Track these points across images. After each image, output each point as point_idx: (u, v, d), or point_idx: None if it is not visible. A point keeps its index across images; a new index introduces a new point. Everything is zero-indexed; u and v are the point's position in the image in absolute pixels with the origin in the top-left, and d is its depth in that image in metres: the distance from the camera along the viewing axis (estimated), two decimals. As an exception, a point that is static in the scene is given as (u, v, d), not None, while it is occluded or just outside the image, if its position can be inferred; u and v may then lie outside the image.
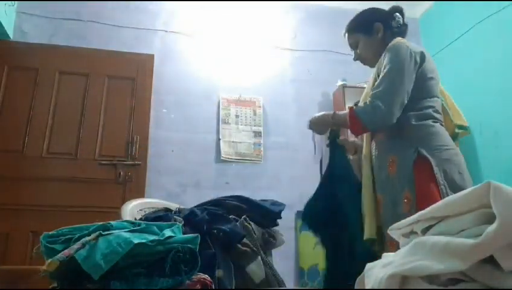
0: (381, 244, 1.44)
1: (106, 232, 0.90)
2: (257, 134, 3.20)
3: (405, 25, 1.65)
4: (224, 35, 3.39)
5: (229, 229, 1.39)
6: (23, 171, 2.63)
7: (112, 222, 0.98)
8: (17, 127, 2.71)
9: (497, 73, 2.82)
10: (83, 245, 0.84)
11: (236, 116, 3.21)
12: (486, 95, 2.85)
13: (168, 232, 0.95)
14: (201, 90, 3.20)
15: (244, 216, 1.53)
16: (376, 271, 0.67)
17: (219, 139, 3.11)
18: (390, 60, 1.46)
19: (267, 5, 3.56)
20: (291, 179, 3.07)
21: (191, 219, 1.43)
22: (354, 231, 1.49)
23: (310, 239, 2.89)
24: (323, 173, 1.69)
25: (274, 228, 1.68)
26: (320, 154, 1.98)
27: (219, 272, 1.28)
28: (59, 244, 0.88)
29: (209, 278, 0.98)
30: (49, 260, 0.81)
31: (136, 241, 0.86)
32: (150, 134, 2.93)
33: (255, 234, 1.48)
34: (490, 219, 0.52)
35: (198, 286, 0.94)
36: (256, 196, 1.83)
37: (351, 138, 1.83)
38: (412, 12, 3.54)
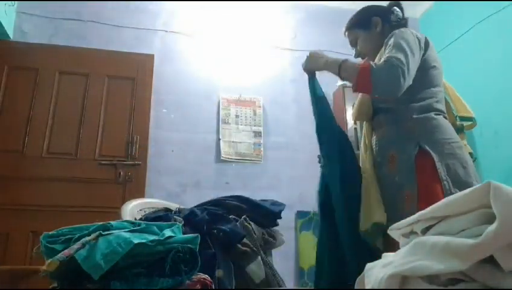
0: (384, 242, 1.41)
1: (106, 232, 0.90)
2: (257, 134, 3.20)
3: (405, 19, 1.61)
4: (224, 35, 3.39)
5: (229, 229, 1.39)
6: (23, 171, 2.63)
7: (112, 222, 0.98)
8: (17, 127, 2.71)
9: (497, 73, 2.82)
10: (83, 245, 0.84)
11: (236, 116, 3.21)
12: (486, 95, 2.85)
13: (168, 232, 0.95)
14: (201, 90, 3.20)
15: (244, 216, 1.53)
16: (376, 271, 0.67)
17: (219, 139, 3.11)
18: (397, 38, 1.39)
19: (267, 5, 3.57)
20: (291, 179, 3.07)
21: (191, 219, 1.43)
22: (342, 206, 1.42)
23: (310, 239, 2.89)
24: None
25: (274, 228, 1.68)
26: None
27: (219, 272, 1.28)
28: (59, 244, 0.89)
29: (209, 278, 0.98)
30: (49, 260, 0.81)
31: (136, 241, 0.86)
32: (150, 134, 2.93)
33: (255, 234, 1.48)
34: (490, 219, 0.52)
35: (198, 286, 0.94)
36: (256, 196, 1.83)
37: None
38: (412, 12, 3.54)
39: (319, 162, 1.60)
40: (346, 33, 1.69)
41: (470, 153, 1.57)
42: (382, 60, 1.34)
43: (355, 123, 2.88)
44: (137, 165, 2.79)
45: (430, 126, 1.39)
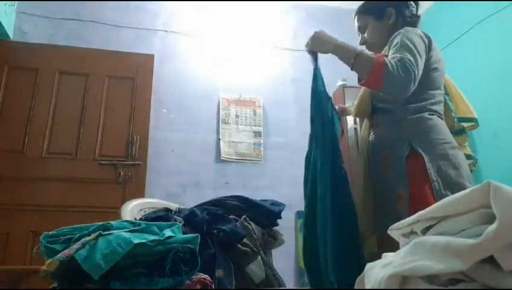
0: (380, 243, 1.41)
1: (106, 232, 0.90)
2: (257, 134, 3.20)
3: (417, 16, 1.58)
4: (224, 35, 3.39)
5: (229, 229, 1.39)
6: (23, 171, 2.63)
7: (112, 222, 0.98)
8: (17, 127, 2.71)
9: (497, 73, 2.82)
10: (83, 245, 0.84)
11: (236, 116, 3.21)
12: (486, 95, 2.85)
13: (168, 232, 0.95)
14: (201, 90, 3.20)
15: (244, 216, 1.52)
16: (376, 271, 0.67)
17: (219, 139, 3.11)
18: (404, 38, 1.35)
19: (267, 5, 3.57)
20: (291, 179, 3.06)
21: (191, 219, 1.43)
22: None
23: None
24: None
25: (274, 228, 1.68)
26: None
27: (219, 272, 1.27)
28: (59, 244, 0.88)
29: (209, 278, 0.98)
30: (49, 260, 0.81)
31: (136, 241, 0.86)
32: (150, 134, 2.92)
33: (255, 234, 1.48)
34: (490, 219, 0.52)
35: (198, 286, 0.94)
36: (256, 196, 1.83)
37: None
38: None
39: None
40: (356, 17, 1.62)
41: (470, 156, 1.56)
42: (395, 59, 1.29)
43: (355, 122, 2.88)
44: (137, 165, 2.79)
45: (423, 126, 1.38)
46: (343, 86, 3.16)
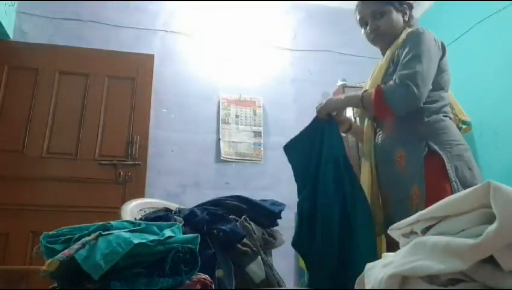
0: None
1: (106, 232, 0.90)
2: (257, 134, 3.20)
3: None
4: (224, 35, 3.39)
5: (229, 229, 1.39)
6: (23, 171, 2.63)
7: (112, 222, 0.98)
8: (17, 127, 2.71)
9: (497, 73, 2.82)
10: (83, 245, 0.84)
11: (236, 116, 3.21)
12: (486, 95, 2.85)
13: (168, 232, 0.95)
14: (201, 90, 3.20)
15: (244, 216, 1.52)
16: (376, 271, 0.67)
17: (219, 139, 3.11)
18: (417, 43, 1.39)
19: (267, 5, 3.57)
20: (291, 179, 3.04)
21: (191, 219, 1.43)
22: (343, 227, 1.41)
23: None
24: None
25: (274, 228, 1.68)
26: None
27: (219, 272, 1.27)
28: (59, 244, 0.88)
29: (209, 278, 0.98)
30: (49, 260, 0.80)
31: (136, 241, 0.86)
32: (150, 134, 2.92)
33: (255, 234, 1.48)
34: (490, 219, 0.52)
35: (198, 286, 0.93)
36: (256, 196, 1.83)
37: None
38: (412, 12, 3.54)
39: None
40: (373, 2, 1.55)
41: None
42: (395, 78, 1.37)
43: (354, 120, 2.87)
44: (137, 165, 2.79)
45: (439, 127, 1.40)
46: (343, 86, 3.17)
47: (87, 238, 0.87)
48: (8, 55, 2.85)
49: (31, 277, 1.66)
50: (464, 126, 1.64)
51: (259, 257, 1.42)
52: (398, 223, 0.75)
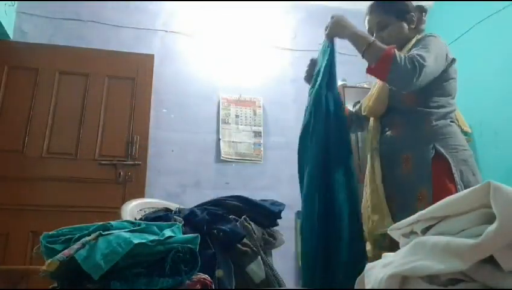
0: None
1: (106, 232, 0.90)
2: (257, 134, 3.20)
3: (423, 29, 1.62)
4: (224, 35, 3.39)
5: (229, 229, 1.39)
6: (23, 171, 2.63)
7: (112, 222, 0.98)
8: (17, 127, 2.71)
9: (497, 73, 2.82)
10: (83, 245, 0.84)
11: (236, 116, 3.21)
12: (486, 95, 2.85)
13: (168, 232, 0.95)
14: (201, 90, 3.20)
15: (244, 216, 1.52)
16: (376, 271, 0.67)
17: (219, 139, 3.11)
18: (429, 42, 1.42)
19: (267, 5, 3.57)
20: (291, 179, 3.05)
21: (191, 219, 1.43)
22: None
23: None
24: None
25: (274, 228, 1.67)
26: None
27: (219, 272, 1.27)
28: (59, 244, 0.88)
29: (209, 278, 0.98)
30: (49, 260, 0.80)
31: (136, 241, 0.86)
32: (150, 134, 2.93)
33: (255, 234, 1.48)
34: (490, 219, 0.52)
35: (198, 286, 0.93)
36: (256, 196, 1.83)
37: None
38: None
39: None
40: (376, 14, 1.58)
41: None
42: (407, 54, 1.36)
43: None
44: (137, 165, 2.79)
45: (446, 132, 1.43)
46: (343, 86, 3.17)
47: (87, 238, 0.87)
48: (8, 55, 2.85)
49: (31, 277, 1.66)
50: (465, 137, 1.64)
51: (259, 257, 1.42)
52: (398, 223, 0.75)
